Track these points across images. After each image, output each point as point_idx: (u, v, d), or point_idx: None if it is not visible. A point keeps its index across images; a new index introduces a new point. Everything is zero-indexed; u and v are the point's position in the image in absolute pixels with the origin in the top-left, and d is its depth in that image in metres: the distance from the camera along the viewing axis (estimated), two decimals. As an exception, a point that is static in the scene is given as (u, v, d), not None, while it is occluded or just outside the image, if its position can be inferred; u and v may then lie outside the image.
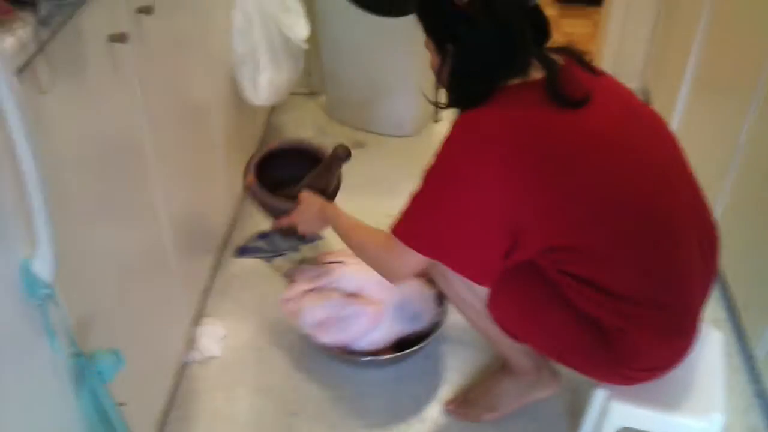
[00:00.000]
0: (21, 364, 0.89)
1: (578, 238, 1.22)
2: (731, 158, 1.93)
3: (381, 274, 1.39)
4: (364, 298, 1.70)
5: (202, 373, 1.77)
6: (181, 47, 1.62)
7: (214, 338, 1.84)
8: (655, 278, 1.25)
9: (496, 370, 1.71)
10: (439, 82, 1.33)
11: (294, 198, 1.74)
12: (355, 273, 1.74)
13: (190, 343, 1.79)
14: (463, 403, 1.70)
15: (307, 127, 2.81)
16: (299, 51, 2.23)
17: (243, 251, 2.17)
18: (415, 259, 1.30)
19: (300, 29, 2.20)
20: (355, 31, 2.59)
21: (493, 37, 1.21)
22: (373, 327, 1.68)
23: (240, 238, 2.21)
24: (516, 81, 1.23)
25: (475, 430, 1.66)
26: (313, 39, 2.37)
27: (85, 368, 1.00)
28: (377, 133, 2.78)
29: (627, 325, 1.27)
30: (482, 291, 1.43)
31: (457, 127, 1.24)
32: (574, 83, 1.23)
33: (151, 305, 1.48)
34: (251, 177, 1.80)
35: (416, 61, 2.64)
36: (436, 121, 1.38)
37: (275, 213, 1.79)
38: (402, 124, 2.76)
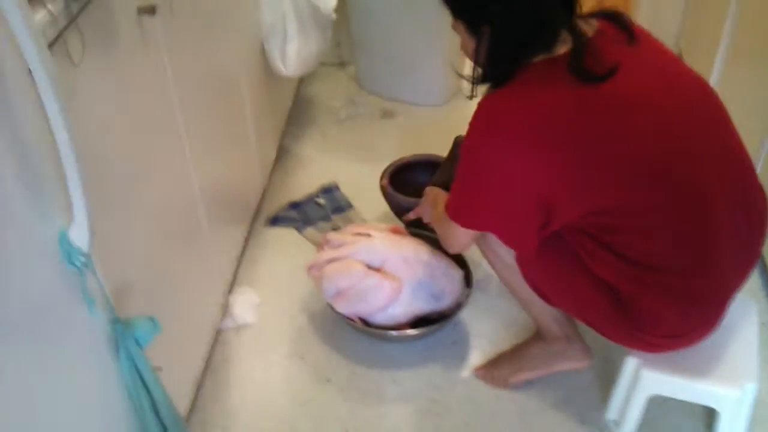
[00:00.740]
0: (61, 330, 0.92)
1: (604, 207, 1.22)
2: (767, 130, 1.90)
3: (446, 247, 1.51)
4: (386, 273, 1.71)
5: (237, 340, 1.81)
6: (210, 18, 1.62)
7: (248, 306, 1.87)
8: (680, 246, 1.25)
9: (528, 336, 1.73)
10: (477, 62, 1.32)
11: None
12: (380, 247, 1.74)
13: (225, 310, 1.82)
14: (491, 366, 1.72)
15: (337, 97, 2.81)
16: (328, 21, 2.22)
17: (275, 221, 2.20)
18: (465, 233, 1.41)
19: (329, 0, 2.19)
20: (383, 0, 2.57)
21: (529, 16, 1.20)
22: (390, 301, 1.68)
23: (271, 208, 2.24)
24: (542, 56, 1.23)
25: (505, 396, 1.67)
26: (341, 9, 2.37)
27: (123, 334, 1.03)
28: (407, 103, 2.77)
29: (641, 292, 1.28)
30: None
31: (482, 111, 1.26)
32: (600, 55, 1.21)
33: (186, 273, 1.51)
34: (385, 181, 2.05)
35: (444, 31, 2.62)
36: (470, 97, 1.37)
37: (403, 210, 1.98)
38: (431, 94, 2.74)
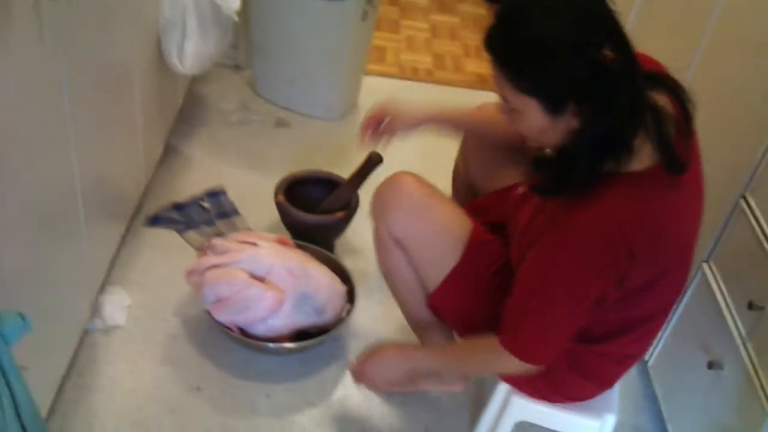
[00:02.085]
0: None
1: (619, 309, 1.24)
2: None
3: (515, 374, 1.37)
4: (270, 284, 1.67)
5: (105, 342, 1.72)
6: (109, 7, 1.55)
7: (119, 307, 1.79)
8: (644, 342, 1.36)
9: None
10: (543, 141, 1.17)
11: (324, 212, 1.99)
12: (265, 257, 1.70)
13: (94, 310, 1.74)
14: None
15: (230, 100, 2.75)
16: (228, 22, 2.18)
17: (155, 220, 2.12)
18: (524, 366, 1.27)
19: (233, 0, 2.15)
20: (287, 8, 2.55)
21: (630, 93, 1.06)
22: (271, 313, 1.65)
23: (153, 208, 2.15)
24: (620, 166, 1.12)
25: (377, 415, 1.68)
26: (243, 11, 2.32)
27: (-11, 329, 0.95)
28: (301, 114, 2.75)
29: (577, 369, 1.35)
30: (430, 285, 1.50)
31: (578, 229, 1.14)
32: (677, 144, 1.13)
33: (57, 268, 1.42)
34: (281, 196, 2.00)
35: (346, 45, 2.64)
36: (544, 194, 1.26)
37: (300, 226, 1.98)
38: (327, 108, 2.74)
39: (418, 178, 1.53)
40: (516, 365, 1.26)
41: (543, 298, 1.20)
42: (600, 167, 1.11)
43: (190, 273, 1.73)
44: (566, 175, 1.15)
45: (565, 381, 1.36)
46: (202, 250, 1.78)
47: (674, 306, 1.33)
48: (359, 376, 1.53)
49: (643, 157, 1.13)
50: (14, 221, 1.16)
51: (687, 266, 1.27)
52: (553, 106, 1.09)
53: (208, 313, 1.69)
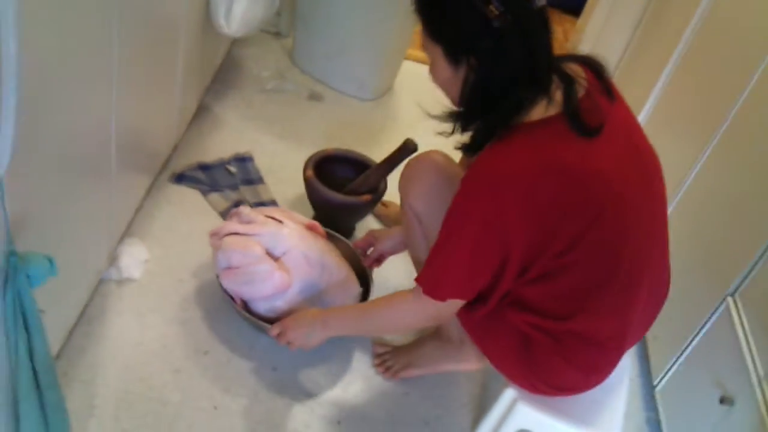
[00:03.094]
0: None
1: (559, 270, 1.23)
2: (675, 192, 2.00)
3: (428, 324, 1.44)
4: (281, 265, 1.65)
5: (118, 293, 1.71)
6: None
7: (136, 260, 1.78)
8: (610, 321, 1.30)
9: (427, 333, 1.77)
10: (449, 94, 1.26)
11: (350, 193, 1.96)
12: (286, 237, 1.68)
13: (112, 260, 1.73)
14: (388, 355, 1.75)
15: (267, 67, 2.73)
16: (279, -12, 2.16)
17: (180, 178, 2.10)
18: (445, 306, 1.30)
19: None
20: (338, -19, 2.53)
21: (520, 50, 1.14)
22: (276, 293, 1.63)
23: (180, 165, 2.14)
24: (537, 108, 1.18)
25: (377, 402, 1.67)
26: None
27: (16, 268, 0.95)
28: (336, 90, 2.73)
29: (552, 348, 1.31)
30: None
31: (486, 167, 1.20)
32: (592, 107, 1.19)
33: (84, 213, 1.41)
34: (310, 172, 1.96)
35: (390, 27, 2.61)
36: (449, 135, 1.30)
37: (326, 204, 1.96)
38: (362, 87, 2.72)
39: (447, 159, 1.55)
40: (420, 308, 1.32)
41: (442, 239, 1.25)
42: (494, 120, 1.20)
43: (212, 234, 1.72)
44: (464, 128, 1.25)
45: (550, 367, 1.34)
46: (229, 215, 1.77)
47: (624, 276, 1.25)
48: (281, 337, 1.55)
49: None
50: (49, 162, 1.15)
51: (621, 225, 1.22)
52: (452, 55, 1.18)
53: (217, 277, 1.68)
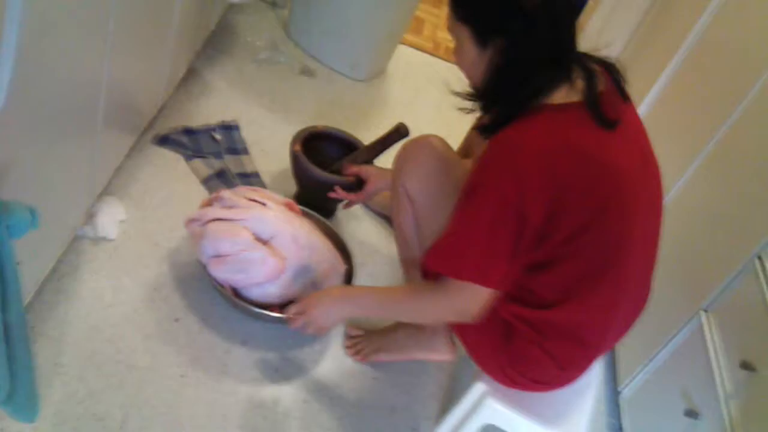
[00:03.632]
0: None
1: (561, 259, 1.23)
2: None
3: (457, 320, 1.34)
4: (272, 249, 1.62)
5: (92, 252, 1.68)
6: None
7: (113, 219, 1.75)
8: (595, 317, 1.30)
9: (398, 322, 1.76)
10: (472, 75, 1.27)
11: (336, 172, 1.93)
12: (273, 220, 1.64)
13: (88, 217, 1.69)
14: (361, 339, 1.75)
15: (261, 36, 2.69)
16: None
17: (164, 140, 2.07)
18: (476, 299, 1.25)
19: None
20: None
21: (548, 35, 1.16)
22: (270, 279, 1.61)
23: (164, 127, 2.10)
24: (558, 93, 1.20)
25: (345, 387, 1.67)
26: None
27: (-3, 218, 0.92)
28: (329, 67, 2.70)
29: (537, 343, 1.31)
30: (427, 242, 1.44)
31: (497, 146, 1.20)
32: (610, 102, 1.21)
33: (66, 167, 1.37)
34: (298, 147, 1.93)
35: (390, 9, 2.58)
36: (468, 111, 1.31)
37: (311, 181, 1.93)
38: (356, 66, 2.69)
39: (444, 144, 1.55)
40: (450, 304, 1.28)
41: (459, 215, 1.24)
42: (517, 101, 1.20)
43: (191, 221, 1.67)
44: (489, 110, 1.26)
45: (528, 357, 1.33)
46: (208, 200, 1.72)
47: (615, 273, 1.25)
48: (300, 317, 1.49)
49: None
50: (38, 112, 1.11)
51: (624, 221, 1.23)
52: (481, 36, 1.20)
53: (203, 266, 1.63)
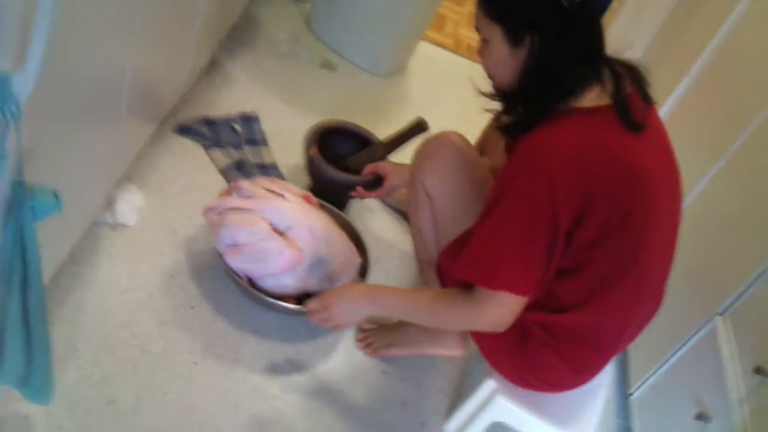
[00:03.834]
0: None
1: (586, 263, 1.22)
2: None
3: (487, 330, 1.30)
4: (289, 240, 1.63)
5: (111, 238, 1.70)
6: None
7: (132, 206, 1.77)
8: (612, 321, 1.30)
9: None
10: (501, 75, 1.25)
11: (352, 171, 1.90)
12: (290, 211, 1.65)
13: (107, 203, 1.71)
14: (373, 332, 1.75)
15: (283, 29, 2.70)
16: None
17: (184, 130, 2.08)
18: (510, 310, 1.23)
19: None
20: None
21: (583, 33, 1.16)
22: (286, 270, 1.61)
23: (184, 117, 2.12)
24: (589, 95, 1.19)
25: (358, 381, 1.67)
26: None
27: (21, 199, 0.93)
28: (349, 61, 2.71)
29: (552, 347, 1.32)
30: (444, 244, 1.46)
31: (526, 152, 1.19)
32: (637, 106, 1.21)
33: (89, 152, 1.39)
34: (314, 150, 1.89)
35: (413, 6, 2.59)
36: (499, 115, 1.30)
37: (329, 184, 1.90)
38: (376, 62, 2.69)
39: (465, 141, 1.55)
40: (483, 314, 1.24)
41: (491, 222, 1.21)
42: (547, 104, 1.19)
43: (209, 210, 1.67)
44: (515, 110, 1.25)
45: (542, 360, 1.33)
46: (226, 190, 1.73)
47: (635, 279, 1.25)
48: (321, 312, 1.48)
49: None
50: (65, 97, 1.13)
51: (648, 224, 1.22)
52: (514, 33, 1.18)
53: (220, 255, 1.63)
